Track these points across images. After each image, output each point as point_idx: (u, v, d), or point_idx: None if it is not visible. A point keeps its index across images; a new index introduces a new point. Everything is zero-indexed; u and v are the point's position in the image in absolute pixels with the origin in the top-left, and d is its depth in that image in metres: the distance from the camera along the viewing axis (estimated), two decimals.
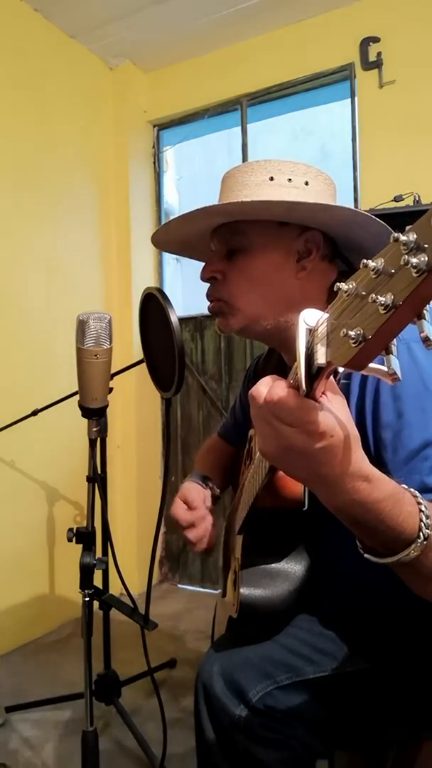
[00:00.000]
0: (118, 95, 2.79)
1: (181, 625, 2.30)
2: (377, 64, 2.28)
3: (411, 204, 2.10)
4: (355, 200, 2.37)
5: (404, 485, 0.58)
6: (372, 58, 2.29)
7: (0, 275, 2.18)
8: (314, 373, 0.47)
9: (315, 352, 0.45)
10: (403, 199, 2.11)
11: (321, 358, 0.44)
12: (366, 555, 0.60)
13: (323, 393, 0.51)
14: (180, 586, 2.82)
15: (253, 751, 0.73)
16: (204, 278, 0.91)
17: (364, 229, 0.83)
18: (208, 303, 0.93)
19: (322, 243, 0.87)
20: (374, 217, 0.81)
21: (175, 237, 0.96)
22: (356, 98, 2.39)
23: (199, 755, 0.80)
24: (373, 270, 0.36)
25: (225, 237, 0.89)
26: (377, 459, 0.71)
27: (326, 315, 0.45)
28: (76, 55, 2.60)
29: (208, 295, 0.92)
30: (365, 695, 0.78)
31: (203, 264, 0.92)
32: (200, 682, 0.81)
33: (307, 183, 0.85)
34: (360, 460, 0.53)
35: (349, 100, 2.43)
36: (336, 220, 0.84)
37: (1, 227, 2.19)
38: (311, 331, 0.47)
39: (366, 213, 0.81)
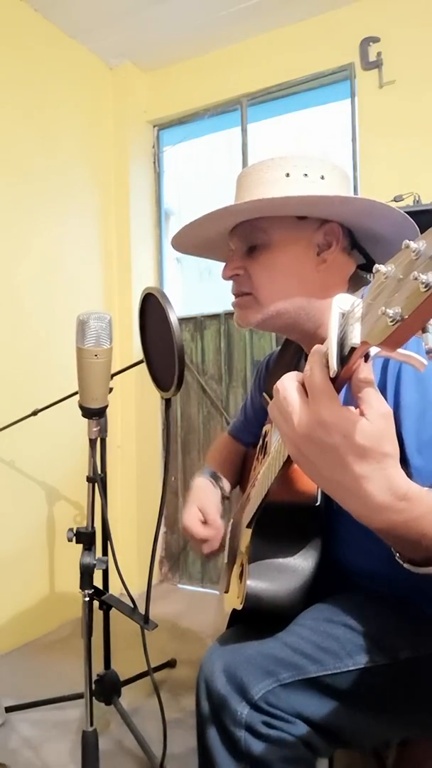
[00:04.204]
0: (118, 95, 2.79)
1: (181, 625, 2.30)
2: (377, 64, 2.28)
3: (411, 204, 2.10)
4: None
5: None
6: (372, 58, 2.29)
7: (0, 275, 2.18)
8: (346, 355, 0.46)
9: (348, 333, 0.45)
10: (403, 199, 2.12)
11: (355, 337, 0.44)
12: (406, 565, 0.59)
13: (362, 407, 0.50)
14: (180, 586, 2.82)
15: (255, 748, 0.72)
16: (226, 276, 0.92)
17: (383, 219, 0.84)
18: (234, 298, 0.93)
19: (341, 235, 0.87)
20: (393, 206, 0.82)
21: (193, 240, 0.98)
22: (356, 98, 2.39)
23: (200, 752, 0.80)
24: (414, 251, 0.36)
25: (244, 235, 0.90)
26: (398, 442, 0.70)
27: (360, 299, 0.45)
28: (76, 55, 2.60)
29: (234, 292, 0.93)
30: (368, 694, 0.78)
31: (224, 264, 0.93)
32: (202, 678, 0.80)
33: (323, 177, 0.86)
34: (394, 476, 0.51)
35: (349, 100, 2.43)
36: (355, 212, 0.85)
37: (1, 227, 2.19)
38: (344, 315, 0.47)
39: (385, 203, 0.82)
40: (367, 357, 0.48)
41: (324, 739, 0.76)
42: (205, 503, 1.07)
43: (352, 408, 0.50)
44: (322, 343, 0.53)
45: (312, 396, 0.51)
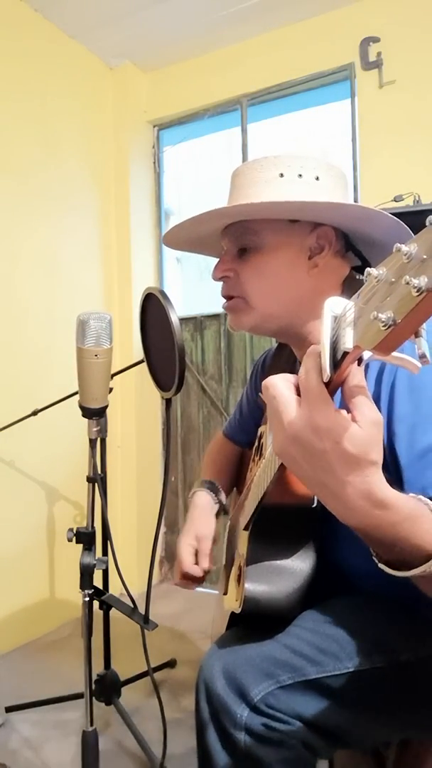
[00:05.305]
0: (118, 95, 2.79)
1: (181, 625, 2.30)
2: (377, 64, 2.28)
3: (411, 204, 2.10)
4: (355, 200, 2.37)
5: (421, 496, 0.58)
6: (372, 58, 2.29)
7: (0, 275, 2.18)
8: (339, 359, 0.46)
9: (341, 337, 0.45)
10: (403, 199, 2.11)
11: (348, 342, 0.44)
12: (381, 565, 0.59)
13: (353, 412, 0.50)
14: None
15: (255, 750, 0.72)
16: (216, 278, 0.92)
17: (376, 224, 0.83)
18: (224, 301, 0.93)
19: (335, 239, 0.86)
20: (385, 212, 0.81)
21: (186, 237, 0.97)
22: (356, 98, 2.39)
23: (199, 754, 0.80)
24: (405, 255, 0.36)
25: (236, 236, 0.89)
26: (390, 452, 0.70)
27: (353, 301, 0.45)
28: (76, 55, 2.60)
29: (223, 294, 0.92)
30: (368, 695, 0.78)
31: (215, 262, 0.92)
32: (202, 680, 0.80)
33: (317, 178, 0.85)
34: (374, 484, 0.51)
35: (349, 100, 2.43)
36: (347, 217, 0.84)
37: (1, 227, 2.19)
38: (336, 318, 0.47)
39: (377, 209, 0.81)
40: (360, 361, 0.48)
41: (324, 740, 0.76)
42: (202, 532, 1.08)
43: (344, 412, 0.50)
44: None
45: (307, 400, 0.51)
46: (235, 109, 2.69)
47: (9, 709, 1.67)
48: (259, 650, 0.80)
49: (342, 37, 2.35)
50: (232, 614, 0.91)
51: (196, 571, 1.04)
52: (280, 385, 0.54)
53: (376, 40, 2.28)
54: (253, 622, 0.84)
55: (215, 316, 2.74)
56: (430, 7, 2.19)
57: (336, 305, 0.48)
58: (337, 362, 0.47)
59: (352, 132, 2.42)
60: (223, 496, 1.16)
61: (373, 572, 0.60)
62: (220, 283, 0.93)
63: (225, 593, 1.06)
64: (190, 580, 1.06)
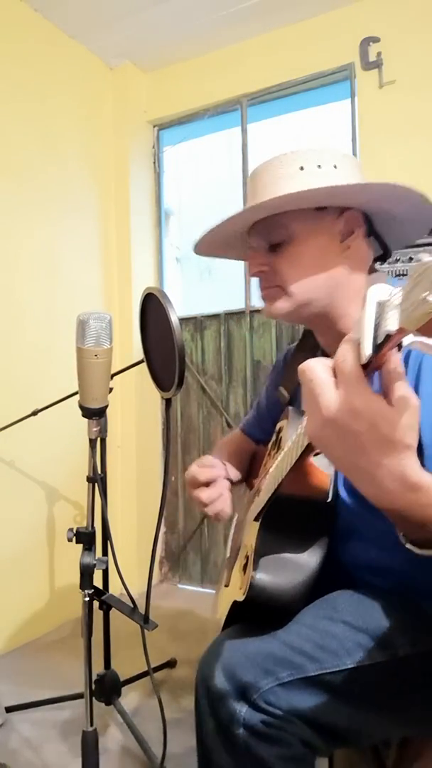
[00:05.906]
0: (118, 95, 2.80)
1: (181, 625, 2.30)
2: (377, 64, 2.28)
3: None
4: None
5: None
6: (372, 58, 2.29)
7: (0, 275, 2.18)
8: (380, 343, 0.47)
9: (384, 320, 0.45)
10: None
11: (392, 324, 0.44)
12: (408, 545, 0.60)
13: (391, 395, 0.50)
14: (180, 586, 2.82)
15: (254, 747, 0.73)
16: (252, 273, 0.94)
17: (403, 201, 0.85)
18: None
19: (362, 220, 0.89)
20: (412, 188, 0.83)
21: (215, 242, 0.99)
22: (356, 98, 2.39)
23: (199, 751, 0.80)
24: None
25: (264, 232, 0.91)
26: None
27: (398, 288, 0.45)
28: (76, 55, 2.61)
29: (261, 286, 0.94)
30: (367, 691, 0.78)
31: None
32: (201, 677, 0.81)
33: (335, 166, 0.88)
34: (409, 467, 0.52)
35: (349, 100, 2.43)
36: (375, 197, 0.86)
37: (1, 227, 2.19)
38: (381, 304, 0.47)
39: (404, 185, 0.82)
40: (399, 347, 0.48)
41: (323, 737, 0.76)
42: (204, 458, 1.08)
43: (381, 397, 0.51)
44: (342, 335, 0.53)
45: (344, 382, 0.51)
46: (235, 109, 2.69)
47: (9, 709, 1.67)
48: (259, 647, 0.80)
49: (342, 37, 2.35)
50: (231, 614, 0.91)
51: (208, 473, 1.02)
52: (317, 368, 0.53)
53: (376, 40, 2.29)
54: (255, 615, 0.85)
55: (215, 316, 2.74)
56: (430, 7, 2.19)
57: (381, 290, 0.48)
58: (377, 346, 0.47)
59: (352, 132, 2.42)
60: (231, 470, 1.14)
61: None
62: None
63: (227, 585, 1.05)
64: (209, 496, 1.01)
